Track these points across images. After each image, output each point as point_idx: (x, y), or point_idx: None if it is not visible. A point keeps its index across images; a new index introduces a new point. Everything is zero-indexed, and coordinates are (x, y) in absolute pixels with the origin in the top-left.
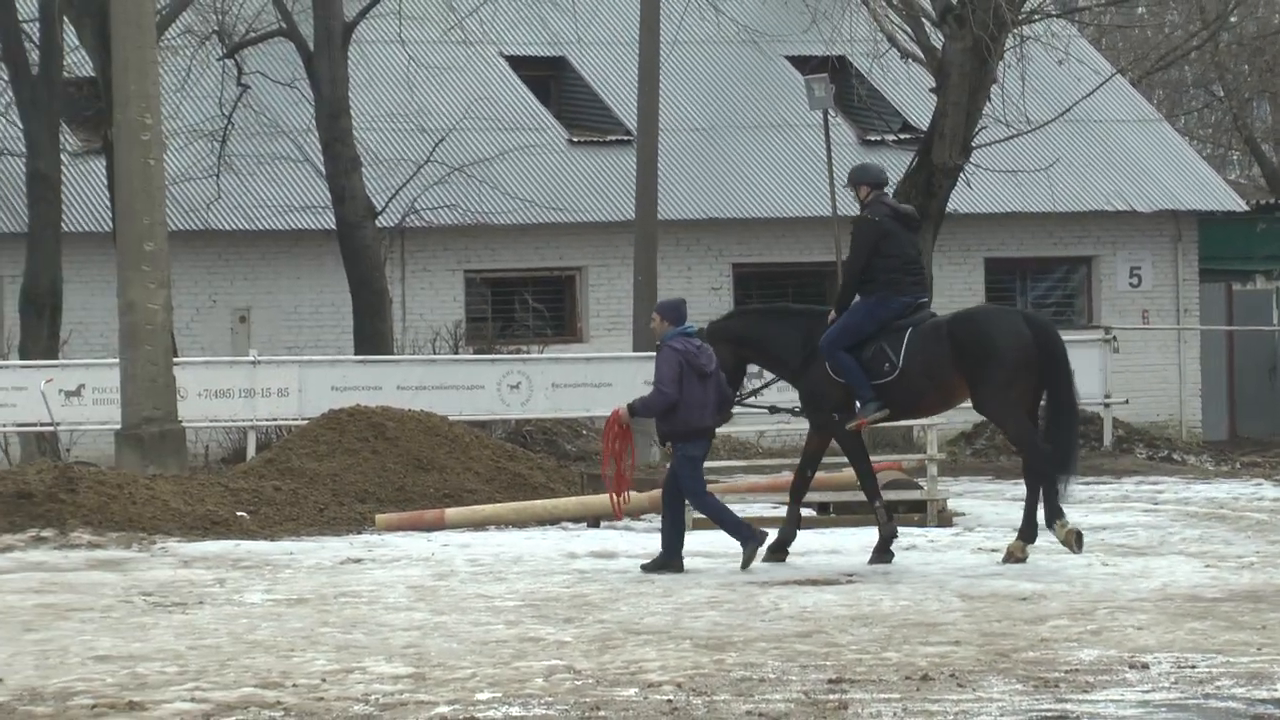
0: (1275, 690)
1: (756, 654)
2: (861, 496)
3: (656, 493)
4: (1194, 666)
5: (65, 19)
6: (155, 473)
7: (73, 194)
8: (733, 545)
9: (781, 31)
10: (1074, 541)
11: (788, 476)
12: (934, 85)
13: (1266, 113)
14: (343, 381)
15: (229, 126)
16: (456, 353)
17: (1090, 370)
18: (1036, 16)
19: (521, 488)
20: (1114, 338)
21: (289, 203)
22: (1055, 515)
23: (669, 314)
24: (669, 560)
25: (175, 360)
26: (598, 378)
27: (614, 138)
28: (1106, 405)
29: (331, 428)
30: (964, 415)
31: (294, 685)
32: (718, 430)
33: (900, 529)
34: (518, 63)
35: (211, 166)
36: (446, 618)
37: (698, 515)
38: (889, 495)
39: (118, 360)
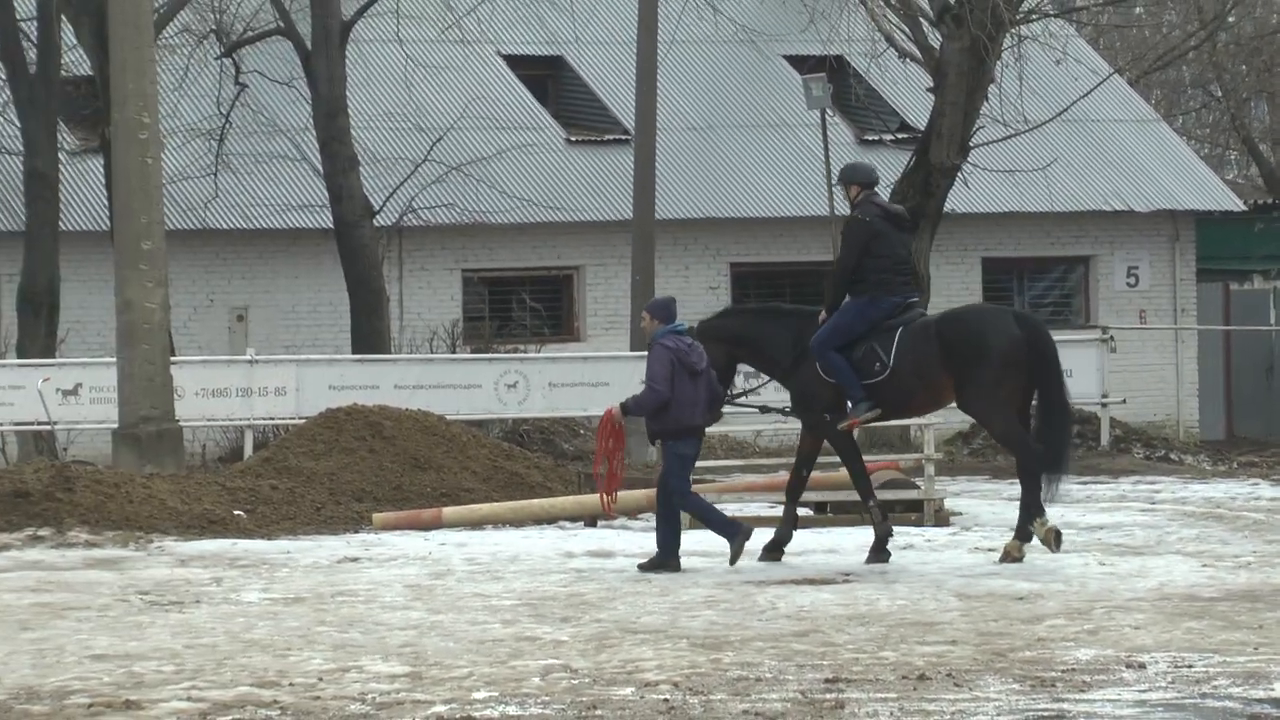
0: (1272, 690)
1: (753, 653)
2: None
3: (653, 492)
4: (1191, 666)
5: (63, 18)
6: (152, 472)
7: (70, 193)
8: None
9: (779, 31)
10: (1053, 540)
11: (784, 476)
12: (932, 85)
13: (1264, 113)
14: (340, 380)
15: (226, 125)
16: (454, 352)
17: (1087, 370)
18: (1034, 16)
19: (519, 487)
20: (1111, 337)
21: (286, 202)
22: (1037, 513)
23: (659, 312)
24: (666, 560)
25: (173, 359)
26: (595, 377)
27: (611, 137)
28: (1104, 405)
29: (329, 427)
30: (961, 415)
31: (290, 684)
32: (714, 429)
33: (897, 528)
34: (515, 62)
35: (209, 165)
36: (443, 617)
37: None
38: (886, 495)
39: (115, 359)
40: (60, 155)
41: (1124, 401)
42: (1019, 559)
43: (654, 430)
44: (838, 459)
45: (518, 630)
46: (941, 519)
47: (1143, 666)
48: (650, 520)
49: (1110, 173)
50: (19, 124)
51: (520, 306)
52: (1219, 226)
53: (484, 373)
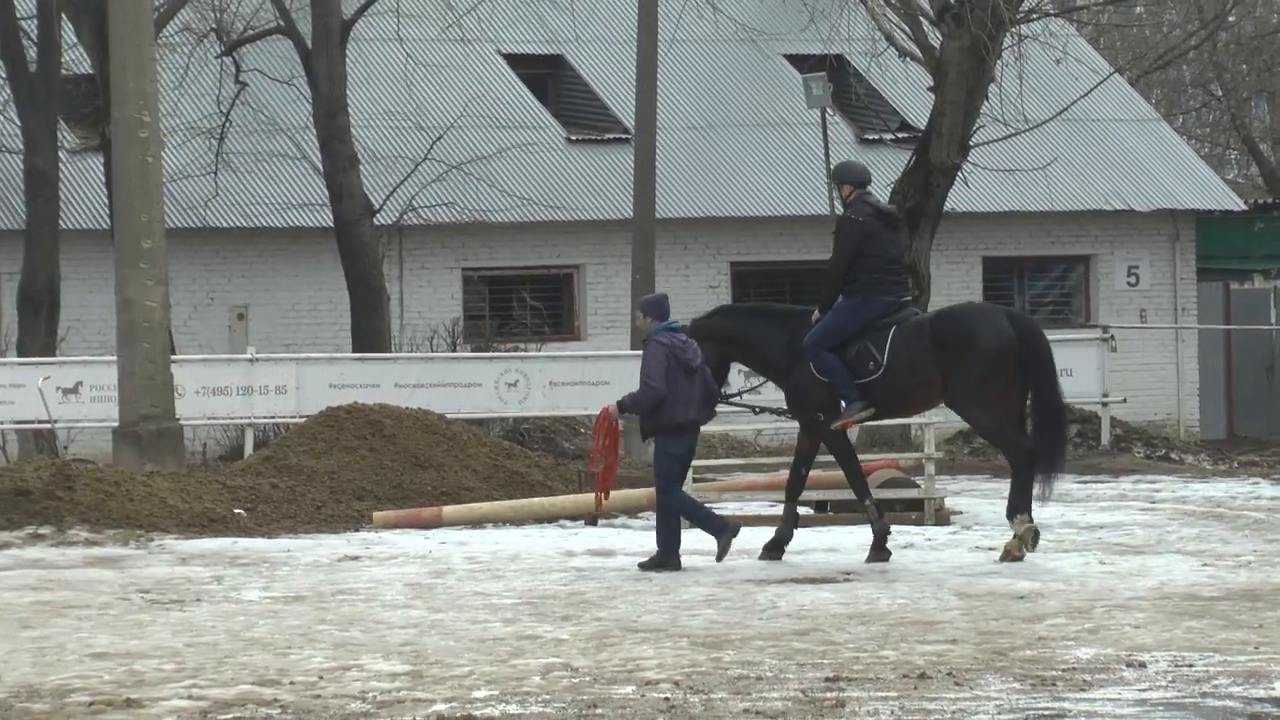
0: (1272, 689)
1: (754, 652)
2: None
3: (653, 490)
4: (1191, 665)
5: (63, 16)
6: (153, 470)
7: (70, 191)
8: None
9: (779, 30)
10: (1030, 539)
11: (785, 475)
12: (932, 84)
13: (1264, 112)
14: (340, 379)
15: (227, 124)
16: (454, 351)
17: (1088, 369)
18: (1034, 15)
19: (519, 485)
20: (1112, 337)
21: (287, 200)
22: (1019, 509)
23: (653, 310)
24: (666, 558)
25: (173, 358)
26: (595, 376)
27: (612, 136)
28: (1104, 404)
29: (329, 425)
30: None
31: (291, 683)
32: (714, 428)
33: (898, 528)
34: (516, 61)
35: (209, 164)
36: (444, 615)
37: None
38: (886, 494)
39: (115, 358)
40: (60, 154)
41: (1124, 401)
42: (1019, 558)
43: (648, 427)
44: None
45: (518, 629)
46: (942, 518)
47: (1143, 665)
48: (651, 519)
49: (1110, 172)
50: (19, 122)
51: (521, 305)
52: (1219, 226)
53: (484, 371)
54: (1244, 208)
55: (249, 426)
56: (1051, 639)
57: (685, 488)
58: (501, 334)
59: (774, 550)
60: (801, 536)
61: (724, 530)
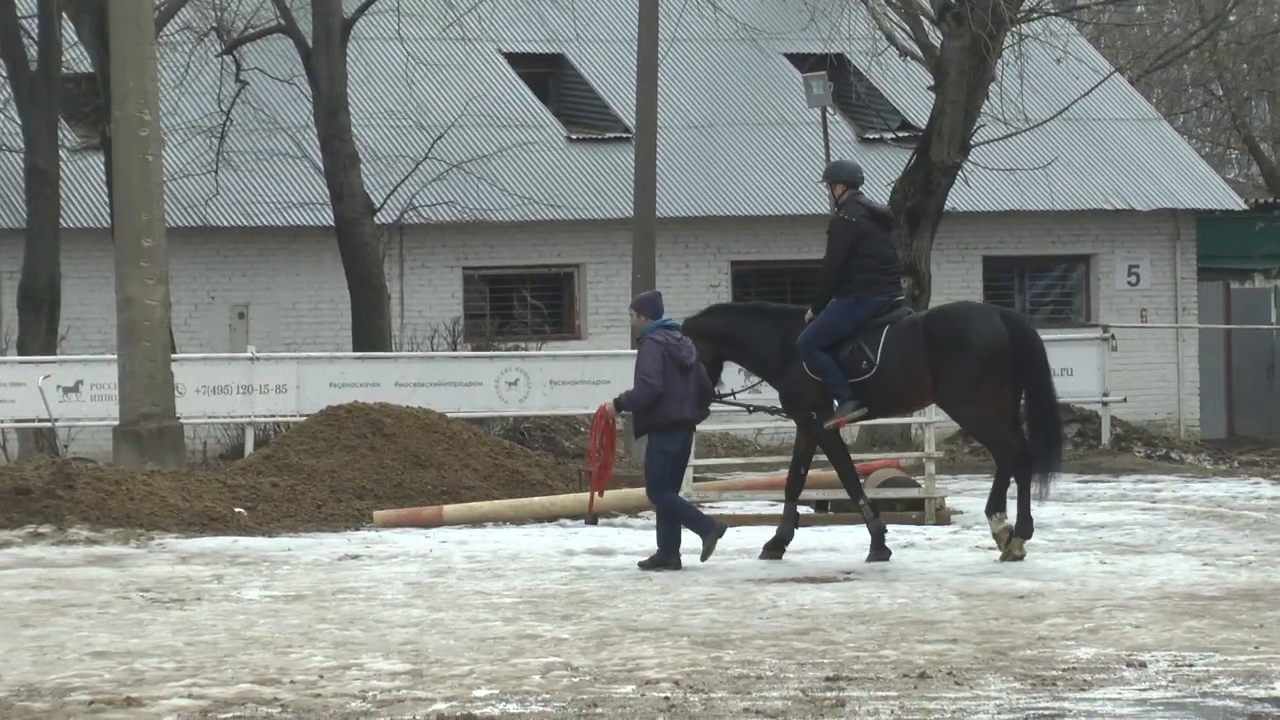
0: (1272, 688)
1: (754, 651)
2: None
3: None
4: (1191, 665)
5: (64, 15)
6: (153, 469)
7: (71, 190)
8: (732, 543)
9: (780, 29)
10: (1003, 539)
11: (785, 474)
12: (932, 83)
13: (1265, 112)
14: (341, 378)
15: (227, 123)
16: (455, 350)
17: (1088, 368)
18: (1035, 15)
19: (519, 485)
20: (1112, 336)
21: (287, 199)
22: (997, 507)
23: (646, 308)
24: (667, 557)
25: (173, 356)
26: (596, 375)
27: (612, 135)
28: (1105, 404)
29: (329, 424)
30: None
31: (291, 682)
32: (714, 427)
33: (898, 527)
34: (516, 60)
35: (210, 163)
36: (444, 614)
37: None
38: (887, 493)
39: (116, 356)
40: (61, 152)
41: (1125, 400)
42: (1020, 557)
43: (643, 425)
44: None
45: (518, 628)
46: (942, 517)
47: (1143, 665)
48: (651, 518)
49: (1111, 171)
50: (20, 121)
51: (521, 304)
52: (1220, 225)
53: (485, 370)
54: (1244, 207)
55: (249, 425)
56: (1052, 638)
57: (685, 486)
58: (502, 333)
59: (774, 550)
60: (802, 536)
61: (710, 531)
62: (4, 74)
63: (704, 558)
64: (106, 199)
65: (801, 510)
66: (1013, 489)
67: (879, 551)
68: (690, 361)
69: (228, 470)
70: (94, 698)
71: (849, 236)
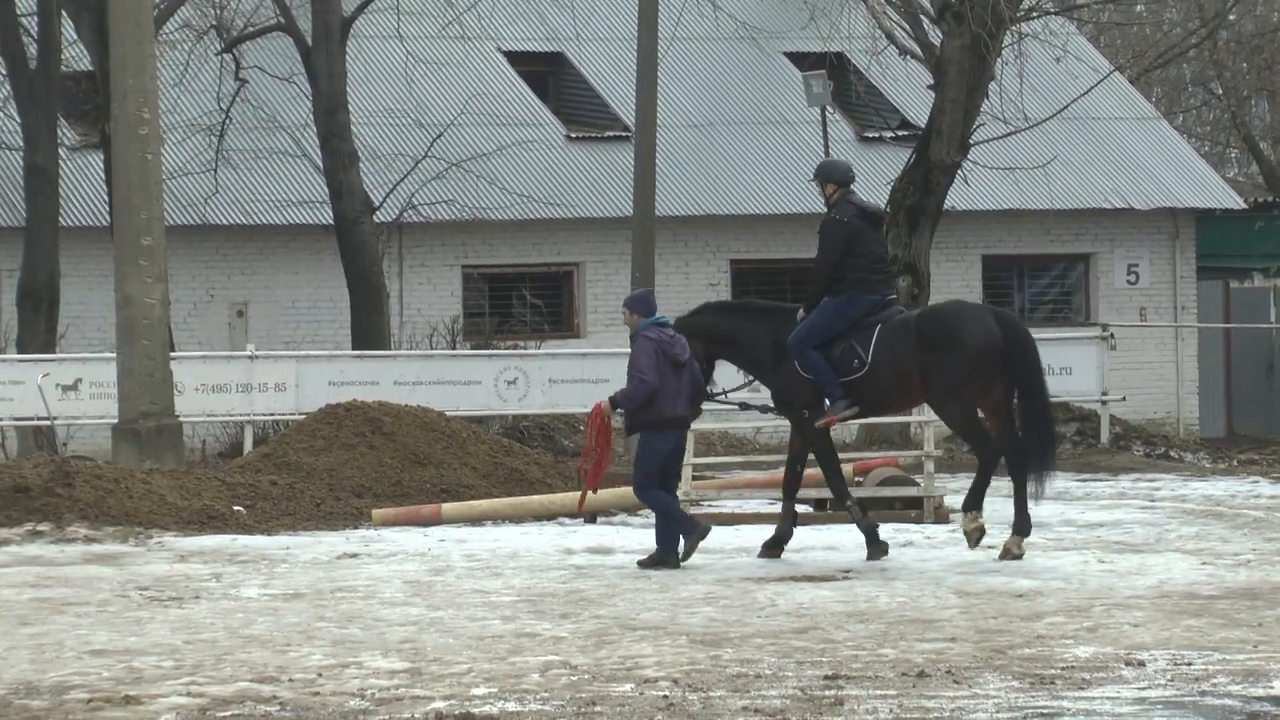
0: (1271, 687)
1: (753, 650)
2: (860, 492)
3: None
4: (1190, 664)
5: (63, 13)
6: (152, 467)
7: (70, 188)
8: (730, 541)
9: (780, 28)
10: (974, 537)
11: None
12: (932, 82)
13: (1265, 111)
14: (340, 376)
15: (227, 121)
16: (454, 348)
17: (1087, 367)
18: (1034, 14)
19: (518, 483)
20: (1111, 335)
21: (287, 198)
22: (973, 505)
23: (638, 306)
24: (665, 556)
25: (172, 355)
26: (595, 373)
27: (612, 134)
28: (1104, 402)
29: (328, 423)
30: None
31: (290, 680)
32: (714, 426)
33: (897, 526)
34: (516, 58)
35: (209, 161)
36: (443, 613)
37: (693, 511)
38: (885, 492)
39: (115, 355)
40: (60, 150)
41: (1124, 399)
42: (1019, 556)
43: (637, 422)
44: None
45: (517, 626)
46: (941, 516)
47: (1142, 664)
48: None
49: (1111, 170)
50: (19, 119)
51: (520, 303)
52: (1219, 224)
53: (484, 369)
54: (1244, 206)
55: (248, 424)
56: (1050, 637)
57: (684, 485)
58: (501, 331)
59: (773, 548)
60: (800, 534)
61: (693, 532)
62: (3, 72)
63: (684, 559)
64: (106, 197)
65: (800, 509)
66: (1008, 488)
67: (875, 547)
68: (684, 359)
69: (226, 469)
70: (92, 696)
71: (841, 236)
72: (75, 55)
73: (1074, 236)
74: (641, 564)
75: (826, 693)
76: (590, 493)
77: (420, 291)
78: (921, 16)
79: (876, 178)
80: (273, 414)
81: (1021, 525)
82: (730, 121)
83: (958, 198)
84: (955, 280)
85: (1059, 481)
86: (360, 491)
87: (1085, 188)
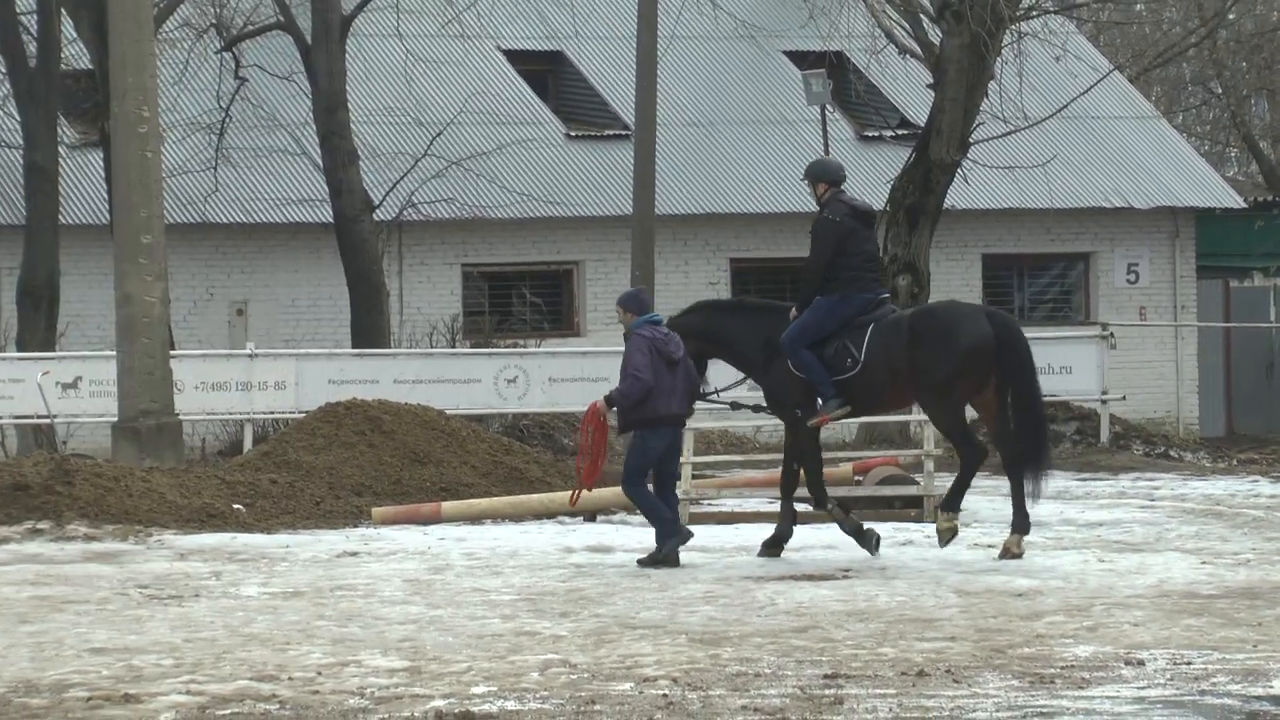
0: (1270, 687)
1: (752, 649)
2: (859, 491)
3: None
4: (1189, 663)
5: (63, 11)
6: (152, 465)
7: (70, 186)
8: (730, 540)
9: (779, 27)
10: (945, 537)
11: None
12: (932, 81)
13: (1264, 110)
14: (340, 375)
15: (226, 119)
16: (453, 347)
17: (1087, 366)
18: (1034, 13)
19: (518, 482)
20: (1111, 334)
21: (286, 196)
22: (950, 506)
23: (631, 305)
24: (665, 555)
25: (172, 353)
26: (595, 372)
27: (611, 132)
28: (1104, 402)
29: (328, 421)
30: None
31: (289, 678)
32: (714, 425)
33: (897, 525)
34: (515, 57)
35: (209, 159)
36: (442, 611)
37: (693, 510)
38: (885, 491)
39: (115, 353)
40: (60, 149)
41: (1124, 398)
42: (1018, 555)
43: (630, 420)
44: (834, 454)
45: (517, 625)
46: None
47: (1141, 663)
48: None
49: (1110, 169)
50: (19, 117)
51: (520, 301)
52: (1219, 223)
53: (483, 367)
54: (1244, 205)
55: (248, 422)
56: (1050, 636)
57: (685, 484)
58: (501, 330)
59: (773, 547)
60: (800, 533)
61: (673, 535)
62: (3, 70)
63: (652, 558)
64: (105, 195)
65: (800, 508)
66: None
67: (866, 541)
68: (677, 356)
69: (226, 467)
70: (92, 694)
71: (834, 235)
72: (75, 53)
73: (1074, 235)
74: (641, 562)
75: (826, 692)
76: (585, 490)
77: (420, 290)
78: (921, 15)
79: (876, 177)
80: (272, 412)
81: (1020, 524)
82: (730, 120)
83: (957, 197)
84: (955, 279)
85: (1059, 480)
86: (360, 490)
87: (1085, 187)
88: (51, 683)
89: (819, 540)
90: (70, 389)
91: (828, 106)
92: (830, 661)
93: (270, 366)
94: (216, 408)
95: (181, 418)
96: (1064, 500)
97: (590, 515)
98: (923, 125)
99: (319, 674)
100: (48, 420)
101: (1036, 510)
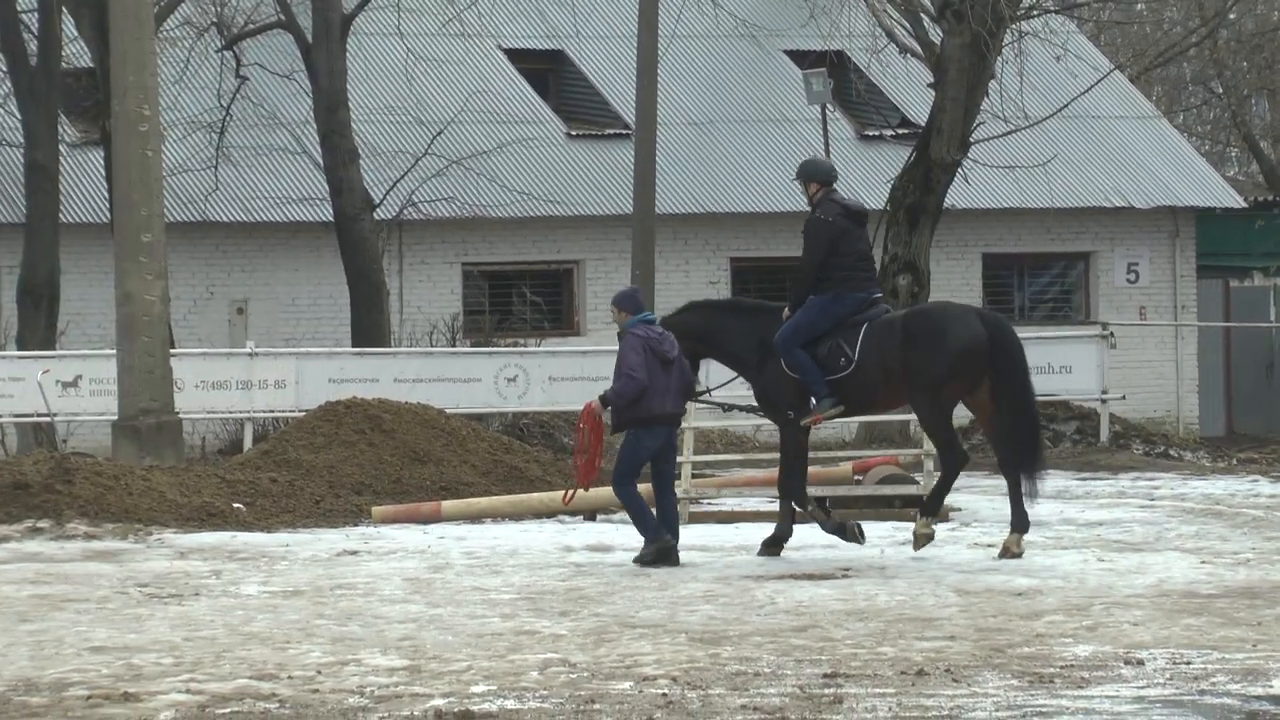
0: (1270, 686)
1: (752, 648)
2: (859, 490)
3: (647, 487)
4: (1189, 663)
5: (64, 10)
6: (152, 464)
7: (71, 185)
8: (731, 539)
9: (780, 26)
10: (920, 541)
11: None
12: (932, 80)
13: (1265, 110)
14: (340, 374)
15: (227, 118)
16: (454, 346)
17: (1087, 366)
18: (1035, 12)
19: (518, 480)
20: (1111, 334)
21: (287, 195)
22: (930, 511)
23: (626, 304)
24: (664, 554)
25: (172, 352)
26: (595, 371)
27: (612, 131)
28: (1103, 401)
29: (328, 420)
30: (961, 410)
31: (289, 677)
32: (714, 424)
33: (896, 524)
34: (516, 56)
35: (209, 158)
36: (442, 610)
37: (693, 509)
38: (885, 490)
39: (115, 351)
40: (61, 147)
41: (1124, 398)
42: (1018, 554)
43: (625, 419)
44: (834, 454)
45: (516, 624)
46: (940, 514)
47: (1141, 663)
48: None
49: (1111, 169)
50: (19, 116)
51: (520, 300)
52: (1219, 223)
53: (484, 366)
54: (1244, 205)
55: (248, 421)
56: (1049, 636)
57: (684, 483)
58: (501, 329)
59: (773, 546)
60: (800, 532)
61: (653, 541)
62: (4, 69)
63: (637, 560)
64: (106, 194)
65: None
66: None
67: (850, 535)
68: (672, 355)
69: (226, 465)
70: (92, 693)
71: (826, 235)
72: (76, 52)
73: (1074, 235)
74: (638, 561)
75: (825, 691)
76: (583, 490)
77: (420, 289)
78: (921, 14)
79: (877, 176)
80: (272, 411)
81: (1019, 523)
82: (730, 119)
83: (958, 196)
84: (955, 279)
85: (1058, 480)
86: (360, 489)
87: (1085, 186)
88: (51, 681)
89: (819, 540)
90: (70, 387)
91: (828, 106)
92: (830, 661)
93: (270, 365)
94: (217, 406)
95: (181, 416)
96: (1064, 500)
97: (590, 514)
98: (923, 124)
99: (319, 673)
100: (48, 419)
101: (1036, 510)
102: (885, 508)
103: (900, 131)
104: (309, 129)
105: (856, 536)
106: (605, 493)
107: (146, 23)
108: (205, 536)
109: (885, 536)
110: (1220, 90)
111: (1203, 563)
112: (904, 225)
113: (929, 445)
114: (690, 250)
